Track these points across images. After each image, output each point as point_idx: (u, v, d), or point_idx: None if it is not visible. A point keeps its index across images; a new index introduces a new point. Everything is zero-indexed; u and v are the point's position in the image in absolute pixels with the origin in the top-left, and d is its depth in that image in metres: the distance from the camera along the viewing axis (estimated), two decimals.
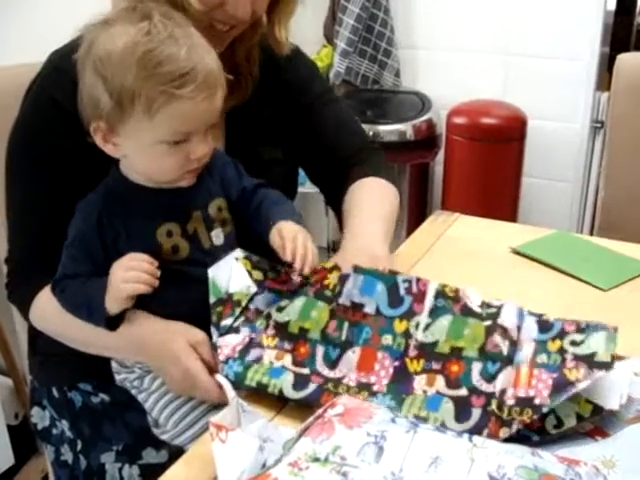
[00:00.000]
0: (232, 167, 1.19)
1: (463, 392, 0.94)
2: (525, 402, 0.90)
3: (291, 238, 1.07)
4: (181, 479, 0.89)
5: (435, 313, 1.02)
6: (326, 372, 1.00)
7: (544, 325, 0.99)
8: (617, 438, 0.90)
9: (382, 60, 3.20)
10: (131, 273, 1.03)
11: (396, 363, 0.99)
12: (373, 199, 1.35)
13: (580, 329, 0.96)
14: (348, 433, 0.79)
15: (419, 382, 0.96)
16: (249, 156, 1.31)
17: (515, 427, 0.88)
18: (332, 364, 1.01)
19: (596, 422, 0.92)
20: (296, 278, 1.08)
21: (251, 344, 1.04)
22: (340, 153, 1.43)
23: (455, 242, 1.51)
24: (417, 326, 1.01)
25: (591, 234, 2.71)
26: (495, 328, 0.98)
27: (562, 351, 0.94)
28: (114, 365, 1.17)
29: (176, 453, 1.08)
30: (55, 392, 1.34)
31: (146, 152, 1.05)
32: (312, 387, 0.98)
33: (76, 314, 1.10)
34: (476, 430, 0.88)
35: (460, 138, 2.95)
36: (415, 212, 3.12)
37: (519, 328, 0.99)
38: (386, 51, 3.18)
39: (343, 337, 1.02)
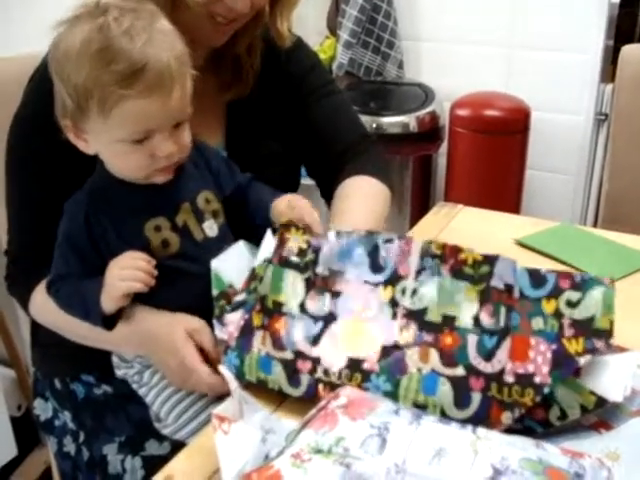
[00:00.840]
0: (222, 162, 1.18)
1: (460, 371, 0.89)
2: (525, 380, 0.88)
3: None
4: (183, 471, 0.89)
5: (422, 275, 0.95)
6: (307, 350, 0.94)
7: (537, 278, 0.93)
8: (621, 431, 0.90)
9: (385, 52, 3.20)
10: (127, 271, 1.03)
11: (385, 335, 0.93)
12: (361, 198, 1.33)
13: (575, 284, 0.91)
14: (351, 425, 0.79)
15: (411, 357, 0.91)
16: (250, 149, 1.30)
17: (517, 412, 0.87)
18: (313, 340, 0.95)
19: (600, 415, 0.91)
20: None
21: (245, 327, 0.99)
22: (336, 146, 1.42)
23: (458, 234, 1.50)
24: (404, 292, 0.95)
25: (594, 226, 2.70)
26: (490, 292, 0.92)
27: (558, 314, 0.90)
28: (114, 360, 1.17)
29: (178, 445, 1.08)
30: (57, 383, 1.34)
31: (110, 150, 1.05)
32: (304, 380, 0.94)
33: (72, 314, 1.10)
34: (477, 419, 0.87)
35: (463, 130, 2.94)
36: (418, 204, 3.12)
37: (512, 287, 0.92)
38: (389, 43, 3.17)
39: (325, 309, 0.96)
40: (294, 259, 0.98)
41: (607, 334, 0.89)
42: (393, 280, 0.95)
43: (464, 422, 0.86)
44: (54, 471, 1.48)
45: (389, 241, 0.97)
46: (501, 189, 2.95)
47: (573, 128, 3.05)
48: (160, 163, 1.04)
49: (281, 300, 0.97)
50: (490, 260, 0.93)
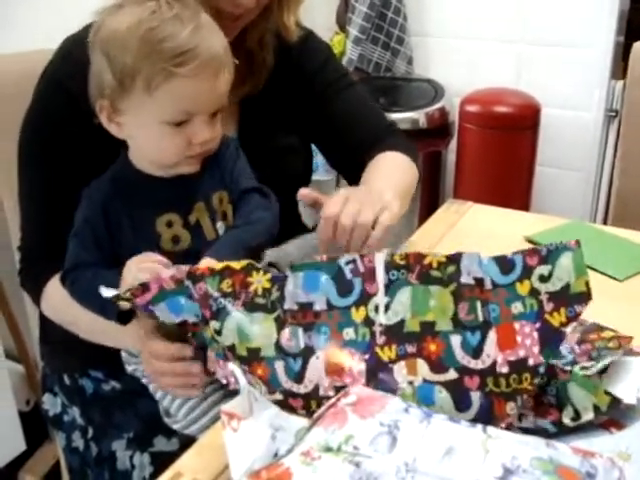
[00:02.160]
0: (242, 161, 1.17)
1: (452, 375, 0.88)
2: (519, 366, 0.87)
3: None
4: (192, 467, 0.89)
5: (391, 289, 0.92)
6: (295, 388, 0.92)
7: (504, 264, 0.91)
8: (632, 430, 0.90)
9: (395, 47, 3.19)
10: (146, 264, 1.02)
11: (366, 356, 0.91)
12: (390, 167, 1.32)
13: (543, 258, 0.90)
14: (361, 423, 0.79)
15: (399, 372, 0.89)
16: (263, 143, 1.30)
17: (520, 401, 0.87)
18: (297, 377, 0.92)
19: (611, 414, 0.91)
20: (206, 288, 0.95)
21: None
22: (359, 135, 1.42)
23: (468, 231, 1.50)
24: (376, 309, 0.92)
25: (604, 223, 2.70)
26: (462, 291, 0.90)
27: (535, 292, 0.89)
28: (124, 355, 1.16)
29: (187, 441, 1.07)
30: (66, 379, 1.34)
31: (147, 133, 1.04)
32: (301, 413, 0.92)
33: (87, 307, 1.09)
34: (483, 417, 0.87)
35: (473, 126, 2.93)
36: (427, 200, 3.11)
37: (483, 280, 0.90)
38: (399, 38, 3.17)
39: (301, 344, 0.92)
40: (259, 300, 0.94)
41: (585, 296, 0.89)
42: (363, 299, 0.93)
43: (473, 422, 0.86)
44: (62, 466, 1.48)
45: (351, 262, 0.94)
46: (511, 186, 2.94)
47: (583, 125, 3.04)
48: (194, 150, 1.05)
49: (254, 346, 0.93)
50: (454, 258, 0.92)
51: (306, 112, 1.39)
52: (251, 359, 0.93)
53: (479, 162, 2.95)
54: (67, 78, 1.13)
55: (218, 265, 0.95)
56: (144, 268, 1.01)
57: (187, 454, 0.92)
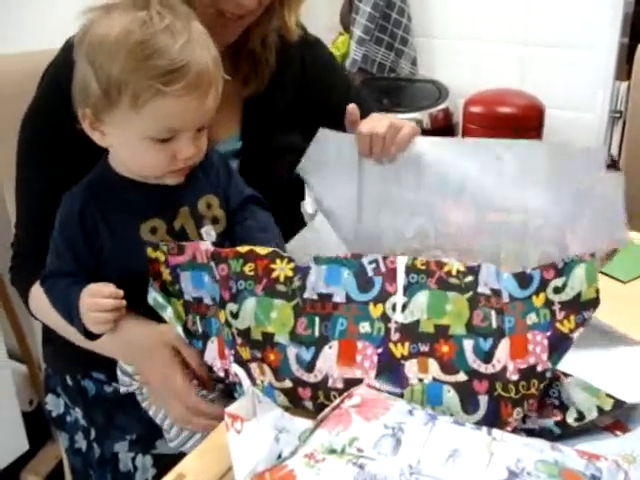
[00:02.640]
0: (230, 172, 1.17)
1: (462, 377, 0.90)
2: (528, 373, 0.88)
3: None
4: (196, 469, 0.89)
5: (410, 290, 0.94)
6: (305, 377, 0.93)
7: (523, 279, 0.92)
8: (637, 433, 0.90)
9: (399, 48, 3.19)
10: (95, 314, 1.02)
11: (379, 350, 0.92)
12: None
13: (559, 271, 0.91)
14: (365, 425, 0.78)
15: (410, 369, 0.91)
16: (265, 143, 1.30)
17: (527, 406, 0.87)
18: (308, 366, 0.94)
19: (615, 416, 0.91)
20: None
21: (239, 365, 0.97)
22: None
23: None
24: (394, 307, 0.94)
25: None
26: (478, 299, 0.92)
27: (548, 303, 0.90)
28: (119, 376, 1.16)
29: None
30: (69, 380, 1.34)
31: (131, 146, 1.02)
32: (309, 406, 0.94)
33: (60, 315, 1.09)
34: (489, 421, 0.87)
35: (477, 127, 2.92)
36: None
37: (501, 292, 0.92)
38: (403, 39, 3.17)
39: (316, 334, 0.94)
40: (280, 288, 0.96)
41: (594, 302, 0.89)
42: (382, 297, 0.94)
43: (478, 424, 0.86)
44: (65, 466, 1.48)
45: (374, 262, 0.96)
46: None
47: (587, 126, 3.03)
48: (177, 165, 1.04)
49: (270, 330, 0.95)
50: (473, 270, 0.93)
51: (312, 114, 1.39)
52: (265, 343, 0.95)
53: None
54: (65, 79, 1.12)
55: (244, 248, 0.96)
56: (93, 319, 1.02)
57: (190, 456, 0.92)
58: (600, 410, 0.88)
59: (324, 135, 1.24)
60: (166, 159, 1.02)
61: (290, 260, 0.96)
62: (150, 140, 1.00)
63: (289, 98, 1.37)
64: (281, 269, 0.96)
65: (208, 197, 1.11)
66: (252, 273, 0.96)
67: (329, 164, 1.25)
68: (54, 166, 1.17)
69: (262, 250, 0.97)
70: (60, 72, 1.16)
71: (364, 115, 1.33)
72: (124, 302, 1.02)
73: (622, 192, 1.08)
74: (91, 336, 1.07)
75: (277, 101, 1.35)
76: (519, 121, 2.89)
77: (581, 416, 0.88)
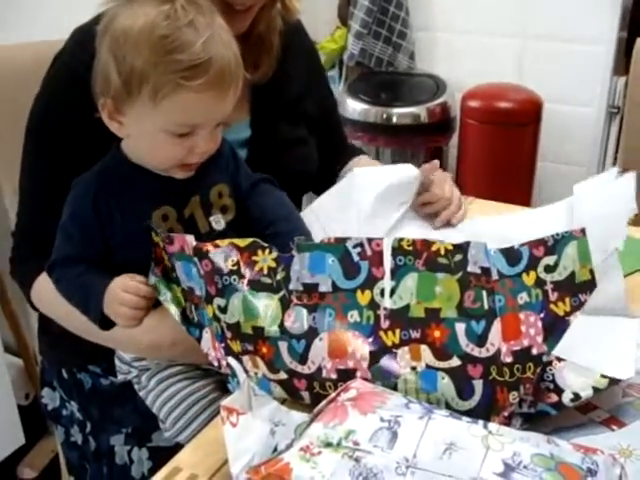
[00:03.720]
0: (241, 161, 1.17)
1: (455, 362, 0.88)
2: (523, 355, 0.87)
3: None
4: (191, 462, 0.89)
5: (398, 274, 0.92)
6: (299, 368, 0.93)
7: (511, 255, 0.90)
8: (633, 428, 0.90)
9: (397, 42, 3.18)
10: (127, 296, 1.02)
11: (370, 339, 0.91)
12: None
13: (549, 248, 0.89)
14: (361, 418, 0.78)
15: (403, 357, 0.90)
16: (274, 133, 1.31)
17: (522, 390, 0.87)
18: (301, 358, 0.93)
19: (612, 411, 0.91)
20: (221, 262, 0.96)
21: (232, 358, 0.96)
22: (339, 137, 1.59)
23: None
24: (382, 293, 0.92)
25: None
26: (469, 280, 0.90)
27: (540, 282, 0.88)
28: (117, 363, 1.16)
29: None
30: (65, 373, 1.34)
31: (148, 138, 1.03)
32: (306, 396, 0.94)
33: (72, 304, 1.09)
34: (484, 406, 0.87)
35: (475, 121, 2.92)
36: None
37: (489, 270, 0.89)
38: (401, 33, 3.16)
39: (305, 326, 0.93)
40: (265, 280, 0.94)
41: (589, 284, 0.88)
42: (369, 283, 0.93)
43: (472, 412, 0.85)
44: (61, 460, 1.48)
45: (359, 245, 0.93)
46: (512, 181, 2.93)
47: (585, 120, 3.03)
48: (192, 159, 1.04)
49: (260, 324, 0.94)
50: (462, 248, 0.91)
51: (312, 105, 1.41)
52: (256, 337, 0.94)
53: (481, 157, 2.95)
54: (80, 65, 1.10)
55: (223, 242, 0.95)
56: (125, 301, 1.02)
57: (186, 449, 0.92)
58: (595, 389, 0.88)
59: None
60: (182, 152, 1.02)
61: (271, 250, 0.95)
62: (168, 133, 1.00)
63: (298, 89, 1.38)
64: (263, 260, 0.95)
65: (220, 186, 1.11)
66: (235, 268, 0.95)
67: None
68: (61, 155, 1.17)
69: (242, 242, 0.95)
70: (76, 59, 1.15)
71: (339, 138, 1.55)
72: (155, 295, 1.03)
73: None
74: (106, 326, 1.06)
75: (285, 90, 1.36)
76: (517, 115, 2.89)
77: (576, 396, 0.88)
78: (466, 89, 3.01)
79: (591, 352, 0.93)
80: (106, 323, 1.06)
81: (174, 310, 1.00)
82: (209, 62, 0.96)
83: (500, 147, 2.90)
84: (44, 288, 1.16)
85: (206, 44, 0.96)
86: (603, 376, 0.88)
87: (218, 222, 1.09)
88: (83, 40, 1.14)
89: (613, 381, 0.88)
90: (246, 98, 1.31)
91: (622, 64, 2.88)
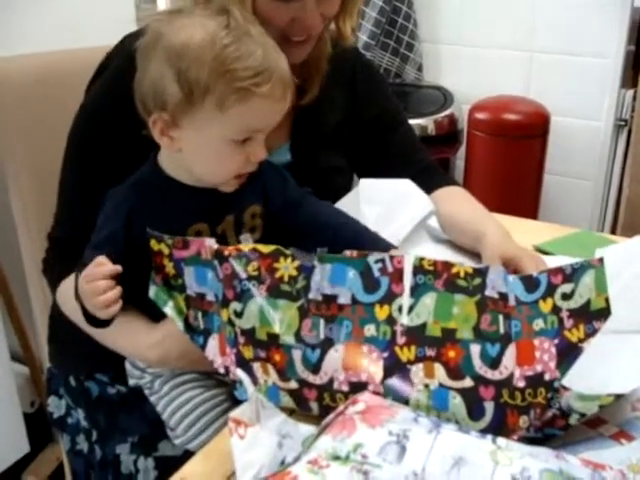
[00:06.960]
0: (278, 176, 1.17)
1: (468, 383, 0.89)
2: (535, 381, 0.87)
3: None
4: (198, 474, 0.88)
5: (417, 291, 0.93)
6: (311, 378, 0.93)
7: (529, 283, 0.91)
8: None
9: (404, 54, 3.19)
10: (95, 299, 0.97)
11: (385, 354, 0.91)
12: (475, 205, 1.46)
13: (567, 277, 0.90)
14: (370, 432, 0.78)
15: (416, 373, 0.90)
16: (312, 159, 1.32)
17: (533, 414, 0.87)
18: (314, 368, 0.93)
19: (621, 425, 0.90)
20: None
21: (239, 362, 0.97)
22: (412, 169, 1.47)
23: None
24: (400, 309, 0.92)
25: (612, 232, 2.69)
26: (486, 303, 0.91)
27: (556, 309, 0.90)
28: (127, 367, 1.16)
29: None
30: (72, 381, 1.34)
31: (208, 149, 1.03)
32: (314, 407, 0.94)
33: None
34: (494, 428, 0.87)
35: (482, 134, 2.92)
36: None
37: (507, 295, 0.91)
38: (409, 45, 3.16)
39: (321, 336, 0.93)
40: (284, 287, 0.95)
41: (604, 312, 0.89)
42: (388, 298, 0.93)
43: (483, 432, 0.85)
44: (66, 468, 1.48)
45: (381, 261, 0.94)
46: (519, 194, 2.93)
47: (593, 133, 3.03)
48: (247, 168, 1.05)
49: (275, 331, 0.94)
50: (481, 272, 0.92)
51: (359, 138, 1.44)
52: (270, 344, 0.94)
53: (488, 170, 2.95)
54: (128, 87, 1.10)
55: (246, 247, 0.96)
56: (94, 290, 0.97)
57: (192, 460, 0.92)
58: (601, 406, 0.87)
59: None
60: (240, 161, 1.04)
61: (294, 258, 0.96)
62: (228, 142, 1.01)
63: (338, 117, 1.39)
64: (285, 268, 0.95)
65: (254, 207, 1.11)
66: (256, 273, 0.95)
67: None
68: (103, 165, 1.19)
69: (265, 248, 0.96)
70: (126, 74, 1.13)
71: (404, 152, 1.44)
72: (119, 269, 0.98)
73: None
74: (99, 324, 1.04)
75: (326, 117, 1.37)
76: (524, 128, 2.89)
77: (583, 416, 0.88)
78: (473, 101, 3.01)
79: (600, 369, 0.92)
80: (98, 321, 1.03)
81: (177, 318, 1.00)
82: (272, 69, 0.99)
83: (507, 160, 2.89)
84: (64, 292, 1.18)
85: (266, 52, 1.00)
86: (609, 395, 0.88)
87: (247, 240, 1.09)
88: (130, 58, 1.13)
89: (619, 395, 0.88)
90: (288, 121, 1.32)
91: (630, 77, 2.88)
